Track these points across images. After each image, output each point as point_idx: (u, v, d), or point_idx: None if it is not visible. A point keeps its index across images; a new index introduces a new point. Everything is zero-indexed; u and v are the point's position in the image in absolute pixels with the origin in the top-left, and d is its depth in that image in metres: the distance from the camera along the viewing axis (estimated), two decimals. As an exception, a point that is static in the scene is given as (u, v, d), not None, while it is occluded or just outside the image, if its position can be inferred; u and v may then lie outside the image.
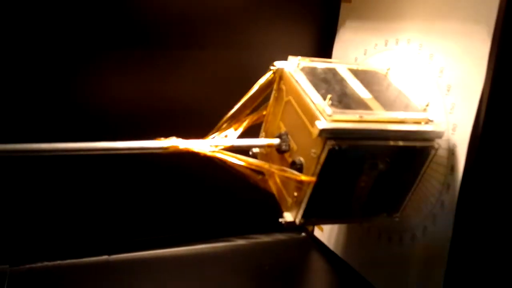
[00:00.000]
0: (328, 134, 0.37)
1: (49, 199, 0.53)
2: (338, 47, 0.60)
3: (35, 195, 0.53)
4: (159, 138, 0.40)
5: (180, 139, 0.40)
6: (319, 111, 0.38)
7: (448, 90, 0.42)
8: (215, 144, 0.41)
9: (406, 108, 0.42)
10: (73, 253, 0.54)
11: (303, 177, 0.39)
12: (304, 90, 0.42)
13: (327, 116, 0.38)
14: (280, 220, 0.42)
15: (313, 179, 0.38)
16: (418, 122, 0.40)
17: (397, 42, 0.49)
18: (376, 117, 0.39)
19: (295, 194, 0.41)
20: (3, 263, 0.52)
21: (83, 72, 0.51)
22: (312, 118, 0.38)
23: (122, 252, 0.56)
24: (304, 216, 0.40)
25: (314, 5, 0.59)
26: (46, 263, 0.53)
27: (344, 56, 0.58)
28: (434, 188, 0.43)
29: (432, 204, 0.43)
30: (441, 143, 0.41)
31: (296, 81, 0.43)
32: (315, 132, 0.38)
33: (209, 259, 0.58)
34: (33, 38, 0.48)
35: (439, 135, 0.40)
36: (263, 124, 0.49)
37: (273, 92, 0.47)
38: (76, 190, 0.54)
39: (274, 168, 0.41)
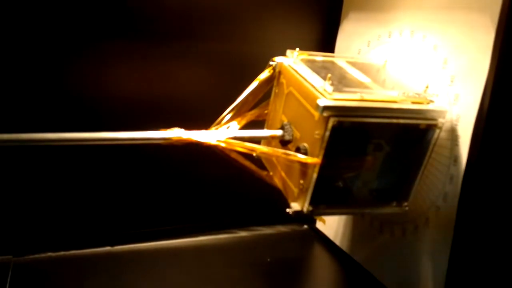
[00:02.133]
0: (330, 112, 0.37)
1: (52, 190, 0.53)
2: (341, 39, 0.59)
3: (38, 186, 0.53)
4: (162, 129, 0.39)
5: (183, 130, 0.40)
6: (320, 92, 0.38)
7: (452, 81, 0.42)
8: (219, 135, 0.41)
9: (406, 89, 0.42)
10: (76, 244, 0.54)
11: (309, 159, 0.39)
12: (303, 77, 0.42)
13: (328, 94, 0.38)
14: (287, 210, 0.41)
15: (318, 160, 0.38)
16: (419, 102, 0.40)
17: (400, 33, 0.49)
18: (377, 97, 0.39)
19: (301, 181, 0.41)
20: (6, 253, 0.52)
21: (81, 63, 0.51)
22: (314, 100, 0.38)
23: (125, 243, 0.56)
24: (311, 202, 0.40)
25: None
26: (49, 253, 0.53)
27: (348, 48, 0.58)
28: (437, 179, 0.43)
29: (435, 196, 0.43)
30: (444, 133, 0.41)
31: (296, 71, 0.43)
32: (317, 112, 0.37)
33: (211, 250, 0.59)
34: (33, 34, 0.48)
35: (441, 114, 0.40)
36: (266, 123, 0.49)
37: (274, 88, 0.47)
38: (79, 182, 0.54)
39: (279, 152, 0.41)
